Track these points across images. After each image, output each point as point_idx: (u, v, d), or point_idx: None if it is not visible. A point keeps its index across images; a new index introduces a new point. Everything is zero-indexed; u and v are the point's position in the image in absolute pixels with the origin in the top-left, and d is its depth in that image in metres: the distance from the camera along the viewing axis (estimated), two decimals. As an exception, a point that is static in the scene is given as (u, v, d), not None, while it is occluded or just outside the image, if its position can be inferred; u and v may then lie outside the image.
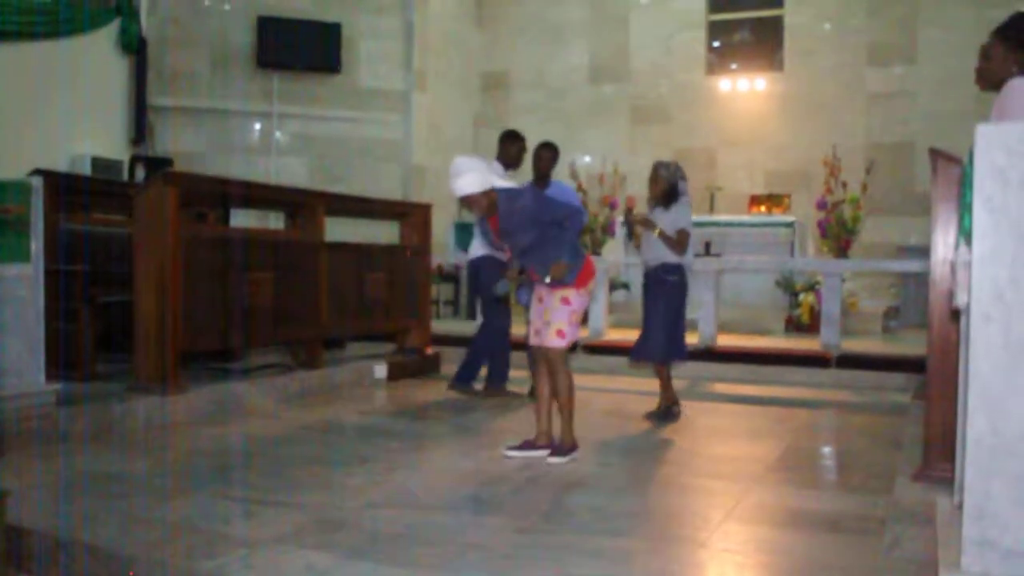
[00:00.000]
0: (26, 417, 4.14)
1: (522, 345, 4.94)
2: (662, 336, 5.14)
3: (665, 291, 5.16)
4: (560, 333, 4.08)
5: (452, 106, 12.08)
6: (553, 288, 4.09)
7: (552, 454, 4.12)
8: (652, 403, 5.44)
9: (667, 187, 5.13)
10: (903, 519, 2.90)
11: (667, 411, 5.29)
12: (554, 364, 4.13)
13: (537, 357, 4.26)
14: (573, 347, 4.48)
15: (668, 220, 5.10)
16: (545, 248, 4.01)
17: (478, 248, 5.82)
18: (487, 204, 3.95)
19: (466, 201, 3.95)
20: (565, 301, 4.08)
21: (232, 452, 4.31)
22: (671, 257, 5.12)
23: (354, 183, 9.91)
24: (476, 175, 3.87)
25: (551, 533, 3.01)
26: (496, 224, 4.03)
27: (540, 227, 3.98)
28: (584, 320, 4.75)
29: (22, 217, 4.29)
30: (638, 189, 11.06)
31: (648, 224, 5.13)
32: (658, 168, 5.21)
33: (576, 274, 4.07)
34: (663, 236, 5.08)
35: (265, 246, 5.88)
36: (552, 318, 4.10)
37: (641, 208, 6.73)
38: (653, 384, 5.99)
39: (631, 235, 5.32)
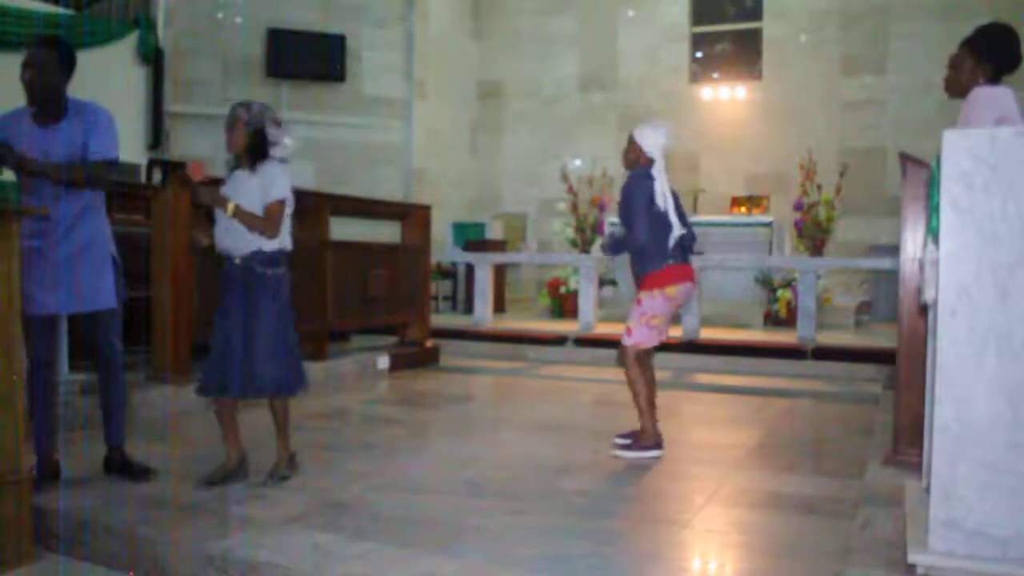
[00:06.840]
0: (49, 406, 4.11)
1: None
2: (278, 359, 3.29)
3: (268, 293, 3.26)
4: (628, 331, 3.94)
5: (450, 113, 12.05)
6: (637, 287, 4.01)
7: (622, 447, 3.99)
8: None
9: (250, 137, 3.28)
10: (874, 501, 2.91)
11: (291, 461, 3.50)
12: (622, 360, 4.01)
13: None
14: (659, 347, 4.14)
15: (255, 187, 3.24)
16: (626, 240, 4.01)
17: None
18: (632, 158, 4.17)
19: (630, 144, 4.18)
20: (638, 302, 3.94)
21: (242, 438, 4.29)
22: (268, 244, 3.26)
23: (357, 185, 9.88)
24: (651, 140, 4.17)
25: (543, 515, 3.00)
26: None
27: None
28: (663, 321, 3.97)
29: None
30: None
31: (217, 200, 3.19)
32: (236, 110, 3.29)
33: (644, 276, 3.92)
34: (240, 214, 3.16)
35: (275, 245, 5.85)
36: (628, 316, 4.01)
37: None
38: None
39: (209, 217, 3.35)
